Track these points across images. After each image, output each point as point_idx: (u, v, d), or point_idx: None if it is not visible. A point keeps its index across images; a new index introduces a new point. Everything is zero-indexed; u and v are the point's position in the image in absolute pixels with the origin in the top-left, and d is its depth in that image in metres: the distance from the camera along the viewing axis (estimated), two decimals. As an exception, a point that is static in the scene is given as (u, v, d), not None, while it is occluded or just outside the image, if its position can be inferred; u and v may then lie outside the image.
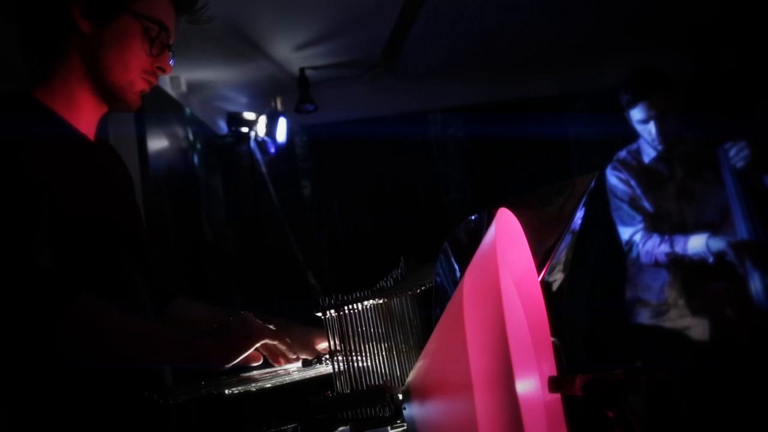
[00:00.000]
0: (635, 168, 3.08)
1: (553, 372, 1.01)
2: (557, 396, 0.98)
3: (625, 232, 3.07)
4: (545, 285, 1.21)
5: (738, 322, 2.88)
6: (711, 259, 2.85)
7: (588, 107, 4.62)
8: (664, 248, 2.93)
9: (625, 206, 3.07)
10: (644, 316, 3.04)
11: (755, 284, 2.81)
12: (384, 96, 4.55)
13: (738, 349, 2.84)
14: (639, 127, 3.03)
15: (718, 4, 3.62)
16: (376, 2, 3.42)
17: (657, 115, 2.94)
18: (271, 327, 1.30)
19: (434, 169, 4.67)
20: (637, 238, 3.01)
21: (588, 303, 4.29)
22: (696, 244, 2.88)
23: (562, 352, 1.06)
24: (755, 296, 2.81)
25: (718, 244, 2.84)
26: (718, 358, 2.82)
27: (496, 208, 0.97)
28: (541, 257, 1.15)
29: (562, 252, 1.22)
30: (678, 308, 2.97)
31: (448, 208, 4.63)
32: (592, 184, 1.23)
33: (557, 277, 1.25)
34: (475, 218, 1.25)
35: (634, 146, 3.13)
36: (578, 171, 4.51)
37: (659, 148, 3.01)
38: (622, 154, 3.14)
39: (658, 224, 3.01)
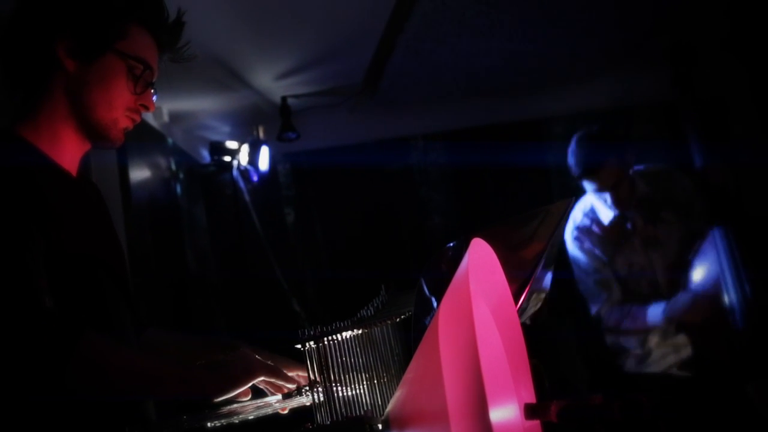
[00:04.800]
0: (597, 234, 2.99)
1: (532, 398, 1.02)
2: (537, 422, 0.99)
3: (592, 307, 3.02)
4: (524, 311, 1.22)
5: (718, 344, 2.88)
6: (671, 326, 2.83)
7: (568, 131, 4.67)
8: (628, 324, 2.88)
9: (590, 281, 3.01)
10: (630, 365, 3.00)
11: (731, 301, 2.83)
12: (365, 123, 4.58)
13: (720, 370, 2.84)
14: (593, 195, 2.98)
15: (696, 27, 3.68)
16: (355, 31, 3.45)
17: (612, 186, 2.89)
18: (270, 363, 1.32)
19: (417, 195, 4.70)
20: (603, 312, 2.97)
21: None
22: (654, 317, 2.85)
23: (544, 373, 1.07)
24: (731, 316, 2.83)
25: (674, 313, 2.81)
26: (702, 383, 2.83)
27: (472, 236, 0.98)
28: (519, 283, 1.17)
29: (540, 277, 1.24)
30: (660, 348, 2.94)
31: (430, 233, 4.64)
32: (568, 209, 1.25)
33: (536, 303, 1.27)
34: (452, 245, 1.27)
35: (588, 206, 3.05)
36: (559, 195, 4.55)
37: (616, 212, 2.96)
38: (581, 220, 3.03)
39: (628, 286, 2.95)
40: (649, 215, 2.97)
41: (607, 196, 2.92)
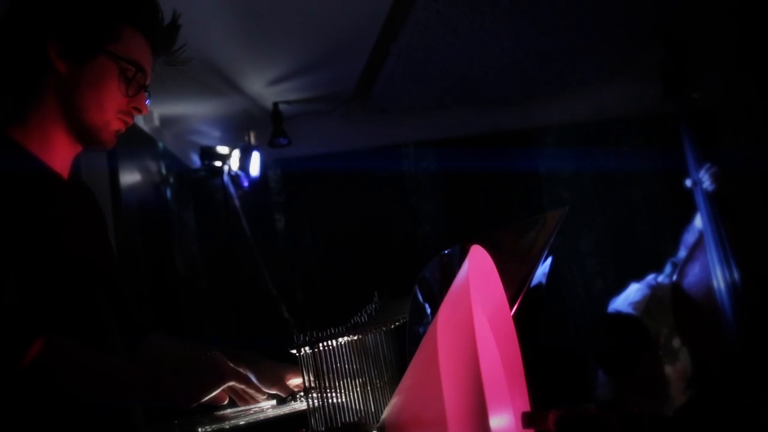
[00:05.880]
0: None
1: (527, 407, 1.02)
2: (532, 431, 0.98)
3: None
4: (518, 319, 1.22)
5: (712, 357, 2.87)
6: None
7: (559, 140, 4.69)
8: None
9: None
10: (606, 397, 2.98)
11: (726, 316, 2.82)
12: (357, 130, 4.58)
13: (714, 384, 2.83)
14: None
15: (689, 38, 3.70)
16: (349, 38, 3.45)
17: (643, 380, 2.87)
18: (240, 369, 1.30)
19: (408, 203, 4.70)
20: None
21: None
22: None
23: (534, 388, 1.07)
24: (726, 329, 2.82)
25: None
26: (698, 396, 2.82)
27: (469, 244, 0.98)
28: (514, 291, 1.17)
29: (534, 286, 1.24)
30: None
31: (421, 241, 4.65)
32: (563, 217, 1.25)
33: (531, 311, 1.27)
34: (447, 253, 1.26)
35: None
36: (550, 204, 4.57)
37: None
38: None
39: None
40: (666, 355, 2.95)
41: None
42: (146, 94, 1.47)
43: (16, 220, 1.25)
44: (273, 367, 1.45)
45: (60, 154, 1.44)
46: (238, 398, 1.39)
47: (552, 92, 4.47)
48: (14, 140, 1.38)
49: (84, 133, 1.43)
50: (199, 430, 1.19)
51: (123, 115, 1.44)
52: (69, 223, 1.40)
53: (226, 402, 1.31)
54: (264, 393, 1.36)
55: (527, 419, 0.87)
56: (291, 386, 1.44)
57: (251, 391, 1.35)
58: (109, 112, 1.41)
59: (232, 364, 1.30)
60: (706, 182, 2.89)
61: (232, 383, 1.29)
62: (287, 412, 1.29)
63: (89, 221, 1.52)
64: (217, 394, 1.26)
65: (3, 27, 1.40)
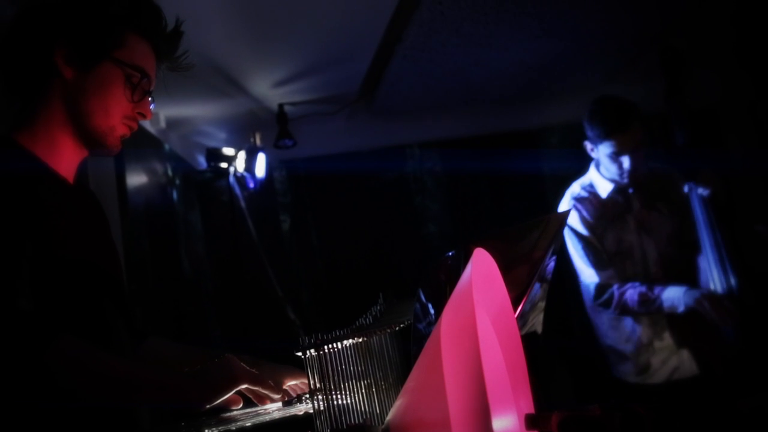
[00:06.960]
0: (594, 204, 2.94)
1: (531, 408, 1.03)
2: (535, 432, 0.99)
3: (592, 275, 2.91)
4: (521, 322, 1.23)
5: (712, 356, 2.87)
6: (681, 309, 2.76)
7: (563, 141, 4.69)
8: (640, 290, 2.80)
9: (591, 247, 2.91)
10: (625, 371, 2.94)
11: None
12: (362, 131, 4.59)
13: (714, 384, 2.83)
14: (605, 161, 2.90)
15: (690, 38, 3.70)
16: (353, 39, 3.46)
17: (632, 150, 2.83)
18: (254, 371, 1.31)
19: (412, 203, 4.71)
20: (613, 283, 2.88)
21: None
22: (672, 294, 2.78)
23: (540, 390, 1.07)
24: (724, 332, 2.81)
25: (692, 296, 2.74)
26: (698, 394, 2.81)
27: (473, 246, 0.99)
28: (517, 293, 1.17)
29: (537, 288, 1.24)
30: (658, 354, 2.89)
31: (426, 241, 4.65)
32: (566, 220, 1.26)
33: (534, 314, 1.27)
34: (451, 255, 1.27)
35: (587, 181, 3.00)
36: (554, 204, 4.56)
37: (624, 182, 2.90)
38: (579, 192, 2.98)
39: (622, 261, 2.91)
40: (647, 201, 2.94)
41: (624, 163, 2.85)
42: (150, 99, 1.49)
43: (24, 223, 1.27)
44: (271, 369, 1.46)
45: (66, 158, 1.45)
46: (256, 399, 1.40)
47: (555, 93, 4.47)
48: (21, 145, 1.39)
49: (90, 138, 1.44)
50: (206, 431, 1.20)
51: (128, 121, 1.46)
52: (75, 227, 1.41)
53: (240, 405, 1.32)
54: (279, 393, 1.37)
55: (530, 421, 0.87)
56: (288, 389, 1.45)
57: (266, 392, 1.36)
58: (114, 117, 1.43)
59: (245, 366, 1.31)
60: (702, 186, 2.89)
61: (245, 386, 1.30)
62: (293, 414, 1.30)
63: (94, 225, 1.53)
64: (230, 397, 1.27)
65: (11, 33, 1.42)
